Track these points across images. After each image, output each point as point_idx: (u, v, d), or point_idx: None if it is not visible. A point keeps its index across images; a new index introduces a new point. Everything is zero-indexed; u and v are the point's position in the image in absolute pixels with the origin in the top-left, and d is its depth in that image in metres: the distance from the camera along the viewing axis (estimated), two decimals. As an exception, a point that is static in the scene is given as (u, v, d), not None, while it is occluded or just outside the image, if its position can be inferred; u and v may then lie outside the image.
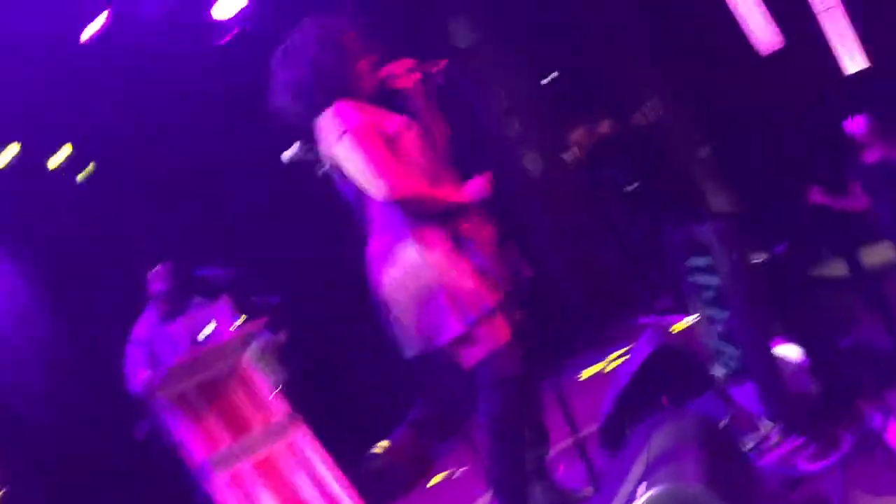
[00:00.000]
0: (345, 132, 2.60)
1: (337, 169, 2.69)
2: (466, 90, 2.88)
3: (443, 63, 2.84)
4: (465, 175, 2.83)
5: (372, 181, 2.59)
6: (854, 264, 4.22)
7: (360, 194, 2.70)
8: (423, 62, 2.85)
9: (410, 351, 2.73)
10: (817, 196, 5.67)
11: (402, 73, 2.83)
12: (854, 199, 5.62)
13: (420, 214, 2.66)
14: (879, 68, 5.90)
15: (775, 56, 6.30)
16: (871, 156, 5.61)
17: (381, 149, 2.62)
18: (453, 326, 2.62)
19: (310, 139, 2.80)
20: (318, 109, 2.69)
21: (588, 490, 2.91)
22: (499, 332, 2.67)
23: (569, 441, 3.19)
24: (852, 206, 5.61)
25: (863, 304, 3.31)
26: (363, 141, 2.60)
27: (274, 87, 2.80)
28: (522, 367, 2.73)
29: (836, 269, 4.13)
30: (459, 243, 2.69)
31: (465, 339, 2.64)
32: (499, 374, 2.68)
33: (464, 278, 2.64)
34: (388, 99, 2.83)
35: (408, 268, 2.64)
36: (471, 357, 2.68)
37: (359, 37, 2.78)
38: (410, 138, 2.77)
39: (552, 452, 3.71)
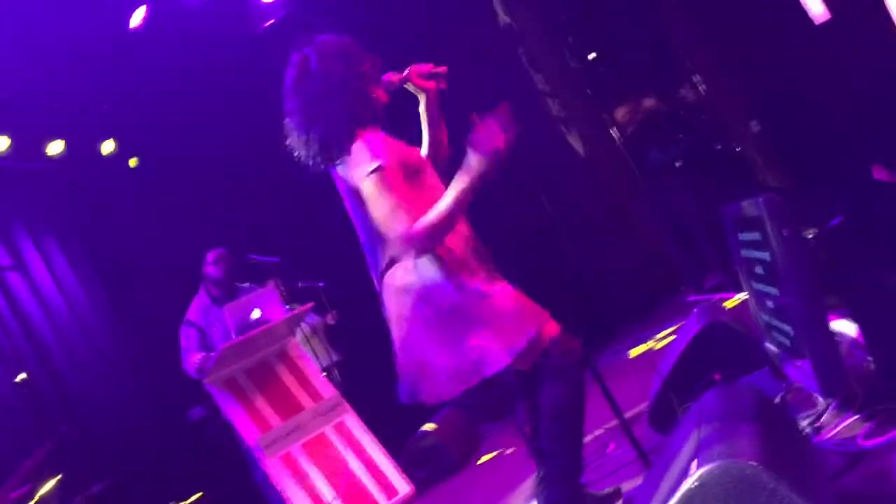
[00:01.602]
0: (378, 168, 2.47)
1: (352, 194, 2.58)
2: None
3: (444, 69, 2.76)
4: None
5: (392, 226, 2.45)
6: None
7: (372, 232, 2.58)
8: (436, 66, 2.77)
9: (437, 395, 2.58)
10: (882, 173, 5.52)
11: (426, 73, 2.75)
12: None
13: (438, 244, 2.51)
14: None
15: (829, 25, 6.10)
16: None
17: (408, 191, 2.50)
18: (500, 358, 2.49)
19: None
20: (338, 135, 2.56)
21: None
22: (550, 327, 2.61)
23: (615, 421, 3.16)
24: None
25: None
26: (393, 181, 2.48)
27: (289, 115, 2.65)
28: (579, 350, 2.67)
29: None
30: (485, 266, 2.58)
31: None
32: (561, 362, 2.61)
33: (506, 302, 2.53)
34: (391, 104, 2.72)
35: (439, 301, 2.51)
36: (527, 361, 2.59)
37: (357, 45, 2.67)
38: (430, 170, 2.70)
39: (601, 430, 3.69)
